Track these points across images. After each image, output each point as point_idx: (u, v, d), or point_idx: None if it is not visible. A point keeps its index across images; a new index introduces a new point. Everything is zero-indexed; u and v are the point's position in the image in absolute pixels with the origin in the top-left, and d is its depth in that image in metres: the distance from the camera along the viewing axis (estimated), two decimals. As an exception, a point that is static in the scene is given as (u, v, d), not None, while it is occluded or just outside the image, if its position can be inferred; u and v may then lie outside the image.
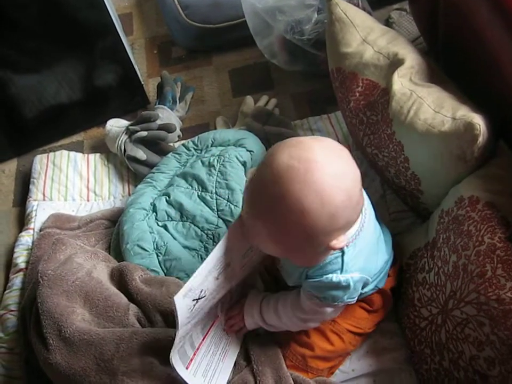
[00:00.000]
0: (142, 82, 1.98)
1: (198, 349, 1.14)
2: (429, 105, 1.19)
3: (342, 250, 1.01)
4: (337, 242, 0.92)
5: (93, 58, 1.82)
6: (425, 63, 1.31)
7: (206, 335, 1.17)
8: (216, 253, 1.03)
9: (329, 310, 1.11)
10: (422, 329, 1.19)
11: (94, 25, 1.72)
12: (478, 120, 1.09)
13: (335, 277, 1.02)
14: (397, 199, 1.48)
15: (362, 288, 1.12)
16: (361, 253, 1.06)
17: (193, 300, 1.02)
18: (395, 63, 1.30)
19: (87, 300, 1.22)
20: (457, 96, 1.21)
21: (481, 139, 1.09)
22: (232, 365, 1.21)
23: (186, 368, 1.11)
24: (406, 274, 1.30)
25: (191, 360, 1.12)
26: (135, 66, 1.94)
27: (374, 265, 1.13)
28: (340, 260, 1.02)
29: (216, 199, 1.47)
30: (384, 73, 1.32)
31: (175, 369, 1.05)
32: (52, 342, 1.15)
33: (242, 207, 1.16)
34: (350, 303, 1.11)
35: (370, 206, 1.12)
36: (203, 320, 1.14)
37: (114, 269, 1.33)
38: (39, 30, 1.67)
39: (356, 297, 1.11)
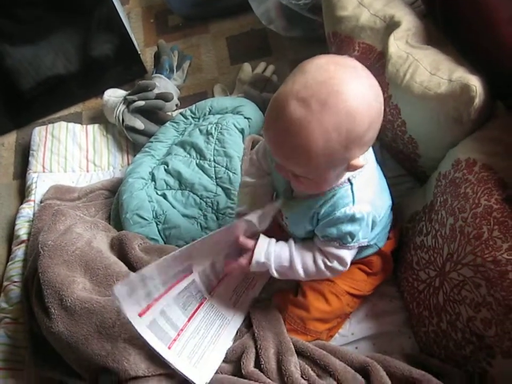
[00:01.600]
0: (139, 52, 1.97)
1: (182, 329, 1.16)
2: (425, 68, 1.18)
3: (350, 182, 1.03)
4: (356, 161, 0.94)
5: (89, 28, 1.81)
6: (422, 25, 1.29)
7: (191, 316, 1.18)
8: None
9: (347, 253, 1.10)
10: (420, 292, 1.20)
11: (88, -6, 1.71)
12: (475, 82, 1.09)
13: (348, 209, 1.02)
14: (396, 163, 1.47)
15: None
16: (368, 184, 1.06)
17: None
18: (391, 25, 1.28)
19: (87, 269, 1.23)
20: (454, 58, 1.20)
21: (477, 101, 1.08)
22: (226, 348, 1.21)
23: (169, 348, 1.13)
24: (405, 238, 1.30)
25: (174, 340, 1.14)
26: (132, 36, 1.93)
27: (381, 202, 1.12)
28: (349, 192, 1.03)
29: (215, 166, 1.47)
30: (380, 36, 1.30)
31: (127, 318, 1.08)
32: (53, 311, 1.16)
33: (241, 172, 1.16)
34: (362, 245, 1.10)
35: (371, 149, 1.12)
36: (181, 299, 1.16)
37: (114, 238, 1.34)
38: (34, 0, 1.65)
39: (368, 239, 1.11)
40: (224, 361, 1.20)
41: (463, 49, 1.24)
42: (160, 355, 1.11)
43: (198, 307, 1.20)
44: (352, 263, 1.22)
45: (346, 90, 0.86)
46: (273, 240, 1.14)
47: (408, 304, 1.25)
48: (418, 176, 1.39)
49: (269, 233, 1.15)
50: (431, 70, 1.16)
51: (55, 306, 1.17)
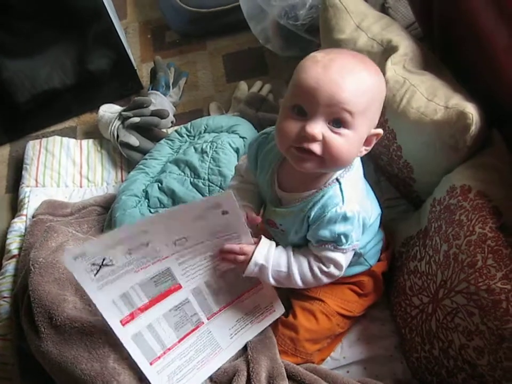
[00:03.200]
0: (135, 67, 1.97)
1: (169, 349, 1.14)
2: (422, 93, 1.18)
3: (338, 182, 1.04)
4: (376, 130, 1.03)
5: (86, 43, 1.81)
6: (419, 50, 1.30)
7: (183, 338, 1.16)
8: (125, 229, 1.06)
9: (343, 256, 1.08)
10: (413, 318, 1.19)
11: (86, 8, 1.71)
12: (471, 109, 1.09)
13: (338, 209, 1.02)
14: (390, 186, 1.47)
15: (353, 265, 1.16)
16: (356, 184, 1.08)
17: (93, 264, 1.01)
18: (389, 50, 1.29)
19: (78, 288, 1.22)
20: (451, 84, 1.20)
21: (473, 128, 1.09)
22: (209, 374, 1.19)
23: (151, 364, 1.12)
24: (398, 262, 1.30)
25: (158, 357, 1.13)
26: (128, 51, 1.93)
27: (369, 206, 1.12)
28: (338, 191, 1.04)
29: (209, 185, 1.47)
30: (377, 60, 1.30)
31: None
32: (43, 329, 1.15)
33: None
34: (356, 248, 1.10)
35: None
36: (173, 318, 1.14)
37: (106, 256, 1.33)
38: (31, 13, 1.66)
39: (359, 242, 1.10)
40: (215, 382, 1.19)
41: (460, 75, 1.25)
42: (139, 368, 1.11)
43: (193, 330, 1.17)
44: (344, 283, 1.24)
45: (365, 59, 1.03)
46: (274, 243, 1.13)
47: (401, 329, 1.24)
48: (413, 200, 1.39)
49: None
50: (428, 96, 1.17)
51: (44, 325, 1.16)
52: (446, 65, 1.30)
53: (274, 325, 1.25)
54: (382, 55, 1.30)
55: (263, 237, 1.13)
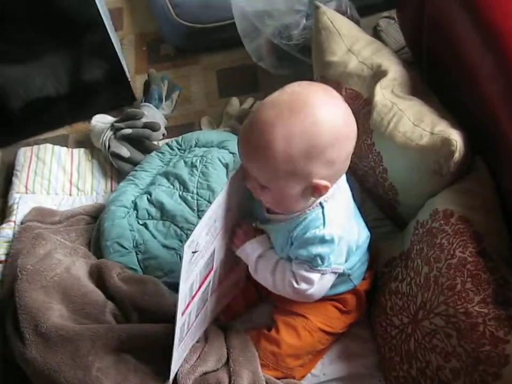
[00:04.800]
0: (129, 79, 1.98)
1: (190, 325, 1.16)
2: (408, 118, 1.21)
3: (321, 206, 1.06)
4: (320, 181, 0.99)
5: (81, 52, 1.82)
6: (408, 75, 1.33)
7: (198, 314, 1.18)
8: (216, 205, 1.05)
9: (319, 278, 1.10)
10: (392, 337, 1.21)
11: (82, 18, 1.72)
12: (456, 137, 1.12)
13: (317, 231, 1.05)
14: (375, 207, 1.50)
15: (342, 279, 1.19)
16: (340, 209, 1.10)
17: (192, 253, 1.00)
18: (378, 74, 1.32)
19: (64, 296, 1.23)
20: (438, 111, 1.24)
21: (457, 155, 1.12)
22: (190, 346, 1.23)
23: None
24: (380, 282, 1.32)
25: (185, 335, 1.14)
26: (123, 62, 1.94)
27: (355, 230, 1.15)
28: (320, 215, 1.06)
29: (197, 199, 1.49)
30: (367, 84, 1.34)
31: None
32: (28, 336, 1.16)
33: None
34: (337, 271, 1.12)
35: (346, 183, 1.16)
36: (200, 301, 1.15)
37: (93, 265, 1.34)
38: (27, 21, 1.67)
39: (343, 266, 1.13)
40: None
41: (446, 100, 1.29)
42: (174, 349, 1.09)
43: (202, 308, 1.19)
44: (327, 299, 1.25)
45: (317, 104, 0.96)
46: (259, 252, 1.16)
47: (380, 348, 1.26)
48: (397, 222, 1.42)
49: None
50: (415, 121, 1.20)
51: (29, 332, 1.16)
52: (433, 90, 1.33)
53: (256, 339, 1.27)
54: (371, 78, 1.33)
55: (251, 241, 1.17)
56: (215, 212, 1.05)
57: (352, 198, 1.18)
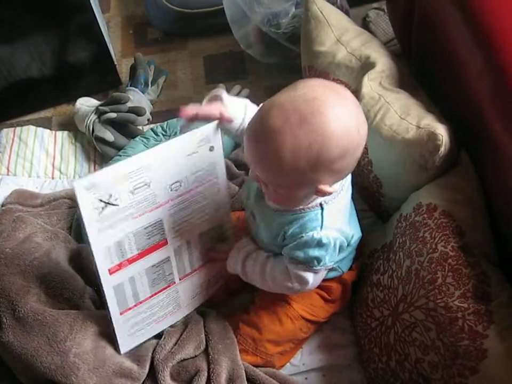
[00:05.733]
0: (115, 62, 1.96)
1: (141, 302, 1.18)
2: (395, 111, 1.21)
3: (321, 207, 1.05)
4: (324, 187, 0.96)
5: (67, 33, 1.80)
6: (396, 67, 1.33)
7: (155, 294, 1.20)
8: (136, 160, 1.03)
9: (313, 276, 1.11)
10: (372, 329, 1.22)
11: (69, -1, 1.70)
12: (441, 131, 1.12)
13: (315, 234, 1.04)
14: (360, 198, 1.50)
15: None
16: (340, 213, 1.09)
17: (100, 201, 1.00)
18: (366, 65, 1.32)
19: (43, 281, 1.22)
20: (424, 104, 1.23)
21: (443, 149, 1.12)
22: (161, 329, 1.25)
23: (120, 314, 1.15)
24: (363, 273, 1.33)
25: (129, 309, 1.16)
26: (109, 45, 1.92)
27: (350, 232, 1.14)
28: (319, 216, 1.05)
29: (181, 186, 1.48)
30: (355, 75, 1.33)
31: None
32: (5, 320, 1.15)
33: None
34: (329, 267, 1.12)
35: (350, 177, 1.15)
36: (153, 274, 1.17)
37: (73, 250, 1.33)
38: (12, 1, 1.64)
39: (334, 262, 1.13)
40: (176, 380, 1.20)
41: (434, 93, 1.28)
42: (110, 316, 1.13)
43: (164, 288, 1.21)
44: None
45: (328, 113, 0.89)
46: (243, 257, 1.19)
47: (360, 339, 1.27)
48: (381, 214, 1.42)
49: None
50: (401, 114, 1.20)
51: (7, 316, 1.15)
52: (421, 83, 1.33)
53: (236, 324, 1.27)
54: (359, 70, 1.32)
55: (234, 247, 1.21)
56: (140, 171, 1.03)
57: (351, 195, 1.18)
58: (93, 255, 1.05)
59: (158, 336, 1.25)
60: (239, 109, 1.10)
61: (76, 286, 1.23)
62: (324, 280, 1.23)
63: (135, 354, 1.20)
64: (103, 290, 1.10)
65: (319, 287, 1.25)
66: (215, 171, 1.15)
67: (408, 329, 1.10)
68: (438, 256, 1.06)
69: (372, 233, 1.38)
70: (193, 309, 1.29)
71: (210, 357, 1.21)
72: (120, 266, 1.10)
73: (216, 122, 1.06)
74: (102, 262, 1.07)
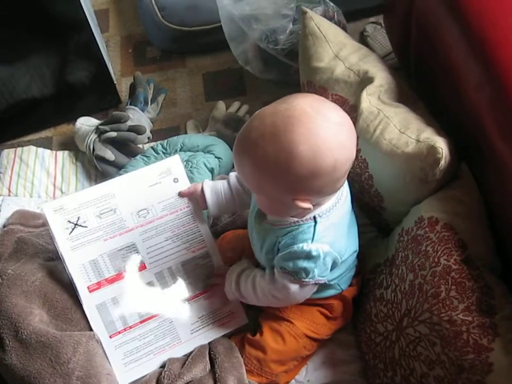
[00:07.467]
0: (115, 81, 1.97)
1: (130, 327, 1.20)
2: (395, 125, 1.21)
3: (315, 221, 1.05)
4: (301, 202, 0.98)
5: (66, 54, 1.80)
6: (395, 82, 1.33)
7: (145, 320, 1.22)
8: (98, 189, 1.19)
9: (300, 288, 1.11)
10: (377, 344, 1.21)
11: (67, 19, 1.70)
12: (441, 144, 1.12)
13: (305, 246, 1.05)
14: (361, 212, 1.49)
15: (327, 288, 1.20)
16: (333, 227, 1.09)
17: (69, 222, 1.15)
18: (365, 80, 1.32)
19: (46, 301, 1.22)
20: (424, 118, 1.23)
21: (443, 162, 1.12)
22: (161, 363, 1.25)
23: (110, 337, 1.19)
24: (365, 288, 1.32)
25: (119, 332, 1.20)
26: (108, 65, 1.93)
27: (343, 247, 1.14)
28: (312, 229, 1.05)
29: (182, 204, 1.48)
30: (353, 90, 1.33)
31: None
32: (8, 342, 1.14)
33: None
34: (320, 282, 1.12)
35: (348, 190, 1.16)
36: (140, 301, 1.21)
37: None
38: (12, 22, 1.65)
39: (326, 277, 1.13)
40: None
41: (433, 107, 1.29)
42: (100, 339, 1.18)
43: (155, 316, 1.24)
44: (313, 305, 1.25)
45: (299, 133, 0.91)
46: (236, 275, 1.22)
47: (365, 355, 1.26)
48: (382, 228, 1.42)
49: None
50: (401, 128, 1.20)
51: (10, 338, 1.15)
52: (420, 96, 1.33)
53: (241, 344, 1.26)
54: (358, 85, 1.32)
55: (229, 271, 1.25)
56: (104, 198, 1.18)
57: (351, 206, 1.18)
58: (68, 271, 1.14)
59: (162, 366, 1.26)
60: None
61: (78, 306, 1.22)
62: (325, 298, 1.24)
63: (140, 380, 1.21)
64: (83, 307, 1.17)
65: (320, 305, 1.26)
66: (184, 200, 1.24)
67: (412, 344, 1.09)
68: (441, 269, 1.06)
69: (374, 247, 1.38)
70: (197, 345, 1.27)
71: (217, 375, 1.21)
72: (99, 285, 1.17)
73: (177, 156, 1.22)
74: (79, 278, 1.17)
